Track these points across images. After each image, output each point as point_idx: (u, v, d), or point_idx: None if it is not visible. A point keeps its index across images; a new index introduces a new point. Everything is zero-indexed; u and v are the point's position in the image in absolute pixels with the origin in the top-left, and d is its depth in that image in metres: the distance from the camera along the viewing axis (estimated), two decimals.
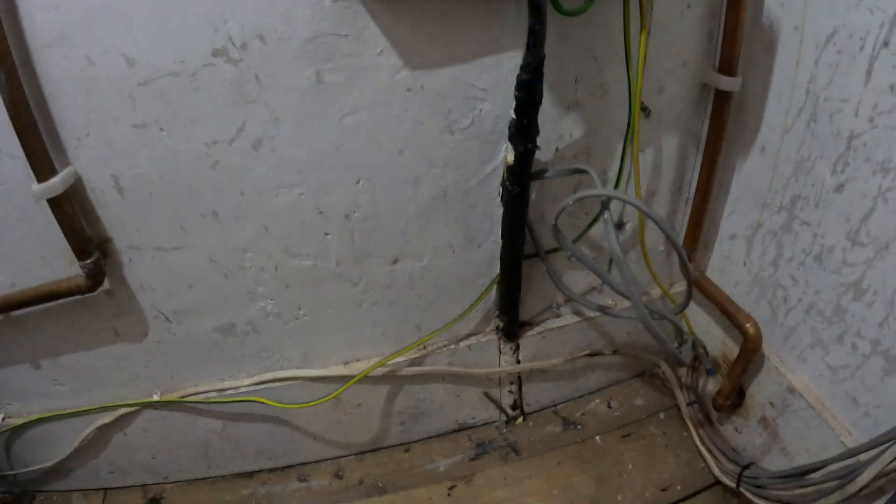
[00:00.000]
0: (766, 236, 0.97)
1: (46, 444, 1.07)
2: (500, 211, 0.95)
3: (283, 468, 1.23)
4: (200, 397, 1.05)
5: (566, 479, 1.19)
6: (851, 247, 0.81)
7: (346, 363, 1.10)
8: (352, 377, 1.04)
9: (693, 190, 1.09)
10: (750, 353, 1.00)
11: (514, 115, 0.82)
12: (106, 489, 1.17)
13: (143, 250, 0.88)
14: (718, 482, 1.13)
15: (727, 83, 0.91)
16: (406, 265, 1.00)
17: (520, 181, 0.87)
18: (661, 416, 1.30)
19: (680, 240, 1.14)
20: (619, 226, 1.08)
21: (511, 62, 0.84)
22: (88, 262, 0.83)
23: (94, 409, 1.03)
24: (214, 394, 1.05)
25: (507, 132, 0.86)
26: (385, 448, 1.27)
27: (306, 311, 1.01)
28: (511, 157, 0.85)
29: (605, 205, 0.83)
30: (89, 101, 0.75)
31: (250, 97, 0.78)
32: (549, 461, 1.23)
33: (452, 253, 1.01)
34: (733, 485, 1.05)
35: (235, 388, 1.06)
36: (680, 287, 1.23)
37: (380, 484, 1.20)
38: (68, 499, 1.16)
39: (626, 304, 1.18)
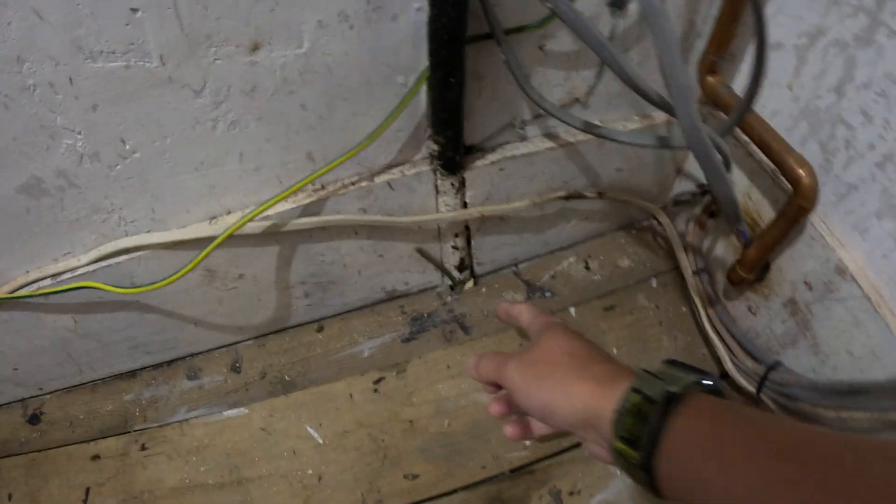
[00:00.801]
0: (830, 49, 0.67)
1: None
2: None
3: (170, 363, 0.98)
4: (33, 288, 0.78)
5: None
6: None
7: (213, 219, 0.79)
8: (217, 238, 0.73)
9: None
10: (798, 213, 0.72)
11: None
12: None
13: None
14: (726, 376, 0.89)
15: None
16: (274, 54, 0.64)
17: None
18: (653, 282, 1.02)
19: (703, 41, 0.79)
20: (618, 4, 0.70)
21: None
22: None
23: None
24: (49, 281, 0.78)
25: None
26: (291, 328, 1.00)
27: (134, 144, 0.67)
28: None
29: None
30: None
31: None
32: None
33: (350, 30, 0.64)
34: (752, 389, 0.81)
35: (72, 269, 0.78)
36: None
37: (287, 377, 0.94)
38: None
39: (622, 125, 0.86)
